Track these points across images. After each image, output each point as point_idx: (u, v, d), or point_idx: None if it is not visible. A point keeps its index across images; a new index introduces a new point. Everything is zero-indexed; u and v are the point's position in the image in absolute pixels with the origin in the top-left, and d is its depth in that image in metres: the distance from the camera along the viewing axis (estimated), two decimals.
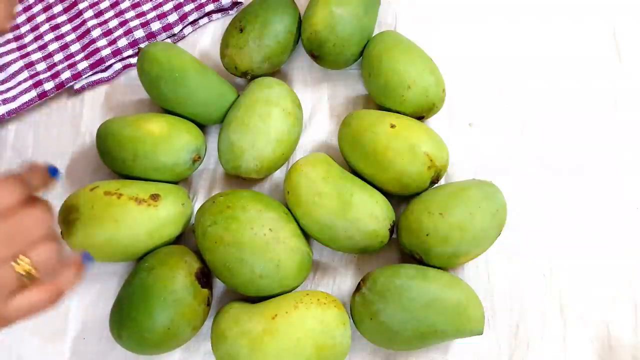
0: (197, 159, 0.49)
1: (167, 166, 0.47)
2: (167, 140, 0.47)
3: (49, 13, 0.59)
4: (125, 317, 0.41)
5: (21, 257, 0.30)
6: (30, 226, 0.31)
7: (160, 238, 0.45)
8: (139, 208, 0.44)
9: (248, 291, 0.43)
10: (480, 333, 0.41)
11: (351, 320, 0.43)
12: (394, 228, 0.45)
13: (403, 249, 0.46)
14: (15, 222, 0.30)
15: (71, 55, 0.56)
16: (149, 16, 0.57)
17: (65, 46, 0.57)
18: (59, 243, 0.32)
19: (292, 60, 0.56)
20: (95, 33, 0.57)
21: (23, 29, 0.58)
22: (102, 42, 0.56)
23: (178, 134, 0.48)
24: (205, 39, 0.58)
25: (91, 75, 0.56)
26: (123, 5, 0.58)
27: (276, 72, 0.55)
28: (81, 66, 0.55)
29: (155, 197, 0.45)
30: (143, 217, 0.44)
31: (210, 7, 0.57)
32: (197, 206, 0.49)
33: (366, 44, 0.52)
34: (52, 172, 0.34)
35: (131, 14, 0.57)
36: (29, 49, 0.57)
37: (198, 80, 0.49)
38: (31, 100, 0.54)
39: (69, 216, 0.44)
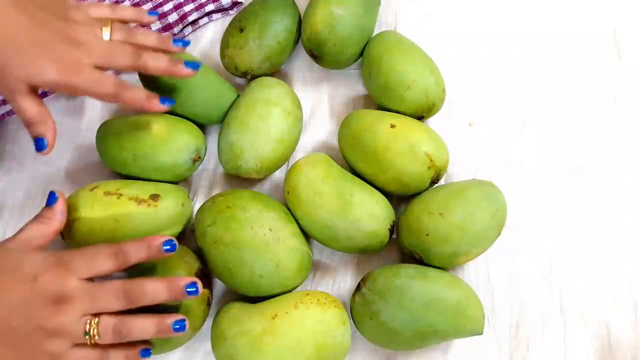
0: (197, 159, 0.49)
1: (167, 166, 0.47)
2: (167, 140, 0.47)
3: None
4: None
5: (94, 319, 0.35)
6: (112, 294, 0.35)
7: None
8: (139, 208, 0.44)
9: (248, 291, 0.43)
10: (480, 333, 0.41)
11: (351, 320, 0.43)
12: (394, 228, 0.45)
13: (403, 249, 0.46)
14: (100, 288, 0.36)
15: None
16: None
17: None
18: (129, 324, 0.36)
19: (292, 60, 0.56)
20: None
21: None
22: None
23: (178, 134, 0.48)
24: (205, 39, 0.58)
25: None
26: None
27: (276, 72, 0.55)
28: None
29: (155, 197, 0.45)
30: (143, 218, 0.44)
31: (210, 7, 0.57)
32: (197, 206, 0.49)
33: (366, 44, 0.52)
34: (169, 247, 0.38)
35: None
36: None
37: (198, 80, 0.49)
38: None
39: (68, 216, 0.44)
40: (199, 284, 0.37)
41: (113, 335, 0.35)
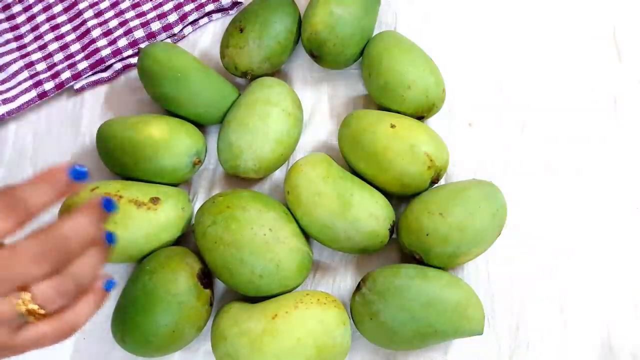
0: (198, 163, 0.49)
1: (167, 170, 0.47)
2: (168, 144, 0.47)
3: (49, 13, 0.59)
4: (129, 322, 0.41)
5: (22, 295, 0.27)
6: (28, 259, 0.27)
7: (158, 241, 0.45)
8: (139, 211, 0.44)
9: (248, 291, 0.43)
10: (480, 333, 0.41)
11: (351, 320, 0.43)
12: (394, 228, 0.45)
13: (403, 249, 0.46)
14: (10, 255, 0.26)
15: (71, 55, 0.56)
16: (149, 16, 0.57)
17: (65, 46, 0.57)
18: (68, 275, 0.28)
19: (292, 60, 0.56)
20: (95, 33, 0.57)
21: (23, 29, 0.58)
22: (102, 42, 0.56)
23: (179, 138, 0.48)
24: (205, 39, 0.58)
25: (91, 75, 0.56)
26: (123, 5, 0.58)
27: (276, 72, 0.55)
28: (81, 66, 0.55)
29: (155, 200, 0.45)
30: (142, 221, 0.44)
31: (210, 7, 0.57)
32: (197, 206, 0.49)
33: (366, 44, 0.52)
34: (76, 174, 0.28)
35: (131, 13, 0.57)
36: (29, 49, 0.57)
37: (200, 80, 0.49)
38: (31, 100, 0.54)
39: None
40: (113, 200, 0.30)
41: (60, 298, 0.28)
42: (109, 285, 0.31)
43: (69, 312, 0.29)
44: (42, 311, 0.28)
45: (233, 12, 0.59)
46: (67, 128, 0.55)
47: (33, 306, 0.27)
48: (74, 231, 0.28)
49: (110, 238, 0.31)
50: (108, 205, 0.29)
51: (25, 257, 0.27)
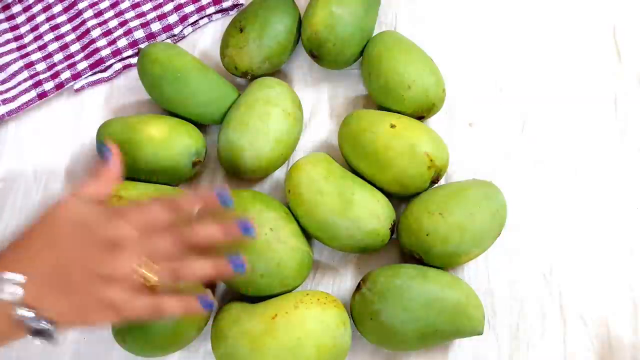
0: (198, 162, 0.49)
1: (167, 170, 0.47)
2: (167, 144, 0.47)
3: (49, 13, 0.59)
4: (130, 322, 0.41)
5: (145, 263, 0.34)
6: (163, 246, 0.35)
7: None
8: None
9: (248, 291, 0.43)
10: (480, 333, 0.41)
11: (351, 320, 0.43)
12: (395, 228, 0.45)
13: (403, 248, 0.46)
14: (153, 240, 0.35)
15: (71, 56, 0.56)
16: (149, 17, 0.57)
17: (65, 46, 0.57)
18: (187, 267, 0.35)
19: (292, 60, 0.56)
20: (95, 33, 0.57)
21: (23, 29, 0.58)
22: (102, 42, 0.56)
23: (178, 138, 0.48)
24: (205, 39, 0.58)
25: (91, 75, 0.56)
26: (123, 6, 0.58)
27: (276, 72, 0.55)
28: (81, 66, 0.55)
29: None
30: None
31: (211, 9, 0.57)
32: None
33: (366, 44, 0.52)
34: (222, 199, 0.37)
35: (131, 14, 0.57)
36: (29, 49, 0.57)
37: (200, 80, 0.49)
38: (31, 100, 0.54)
39: None
40: (253, 224, 0.37)
41: (170, 275, 0.35)
42: (204, 304, 0.37)
43: (168, 302, 0.35)
44: (154, 280, 0.34)
45: (233, 13, 0.59)
46: (67, 128, 0.55)
47: (152, 272, 0.34)
48: (205, 236, 0.36)
49: (237, 263, 0.37)
50: (246, 231, 0.37)
51: (164, 236, 0.35)
